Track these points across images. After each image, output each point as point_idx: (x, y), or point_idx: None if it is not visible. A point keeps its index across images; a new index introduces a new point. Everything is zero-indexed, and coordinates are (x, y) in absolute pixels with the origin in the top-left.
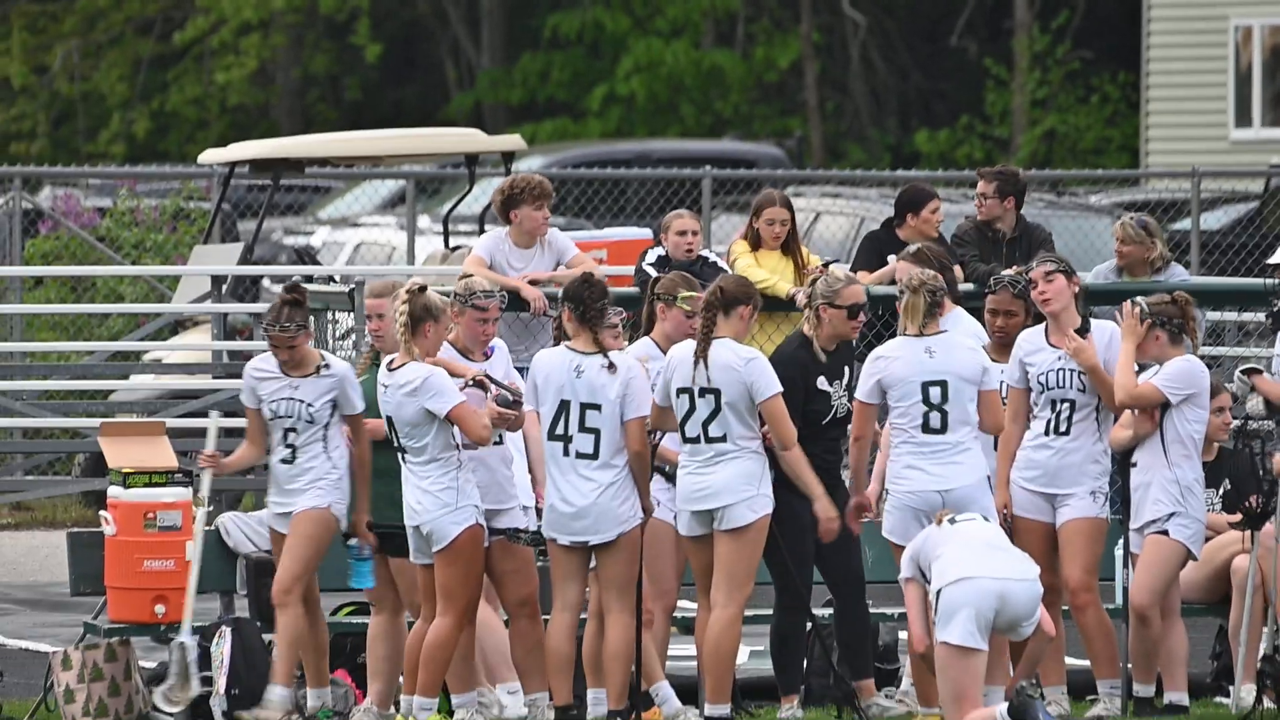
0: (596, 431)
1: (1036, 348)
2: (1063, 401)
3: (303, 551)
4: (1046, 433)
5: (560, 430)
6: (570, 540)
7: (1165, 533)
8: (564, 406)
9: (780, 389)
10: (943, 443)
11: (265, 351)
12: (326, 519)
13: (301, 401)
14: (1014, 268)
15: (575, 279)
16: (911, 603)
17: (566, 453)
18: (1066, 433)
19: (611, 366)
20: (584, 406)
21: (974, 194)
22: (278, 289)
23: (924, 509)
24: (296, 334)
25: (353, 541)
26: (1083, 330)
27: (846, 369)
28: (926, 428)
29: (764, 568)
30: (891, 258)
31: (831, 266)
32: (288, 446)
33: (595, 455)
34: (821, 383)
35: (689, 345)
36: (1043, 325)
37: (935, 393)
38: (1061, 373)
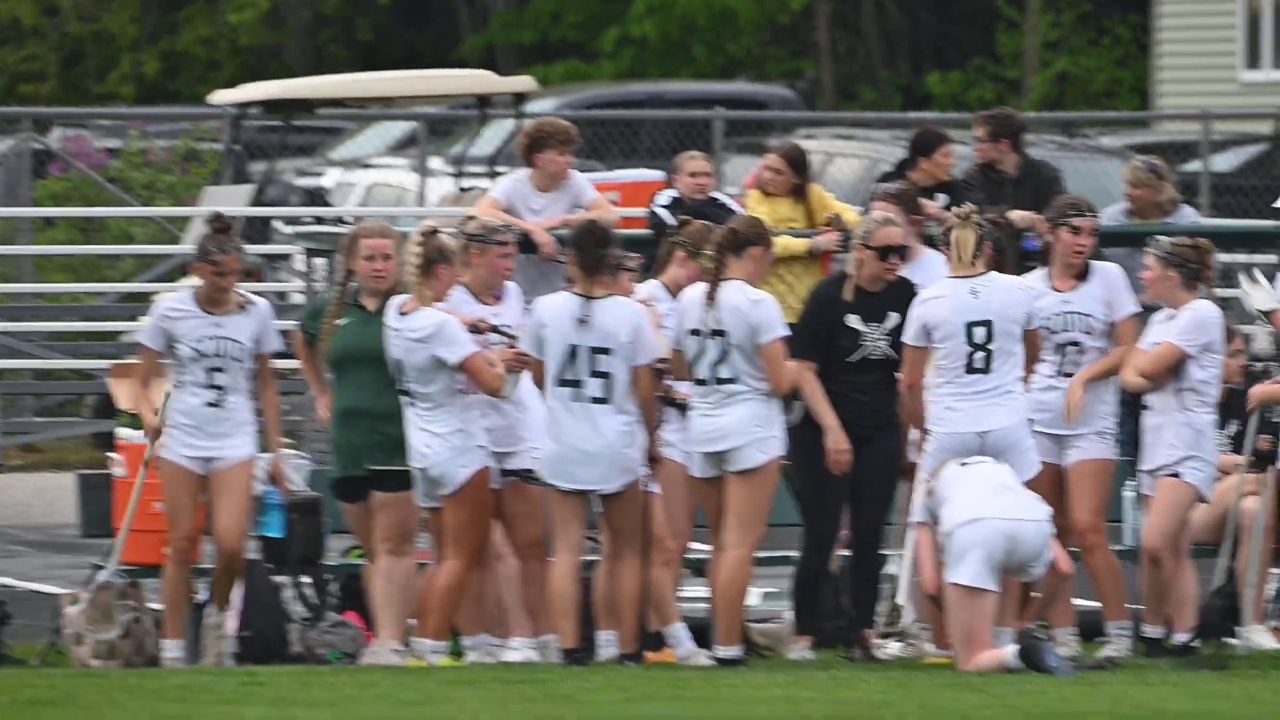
0: (608, 376)
1: (1039, 292)
2: (1069, 344)
3: (246, 504)
4: (1053, 375)
5: (570, 375)
6: (571, 487)
7: (1177, 475)
8: (573, 351)
9: (784, 333)
10: (985, 384)
11: (185, 292)
12: (254, 467)
13: (229, 339)
14: (1029, 212)
15: (581, 223)
16: (923, 545)
17: (578, 398)
18: (1071, 374)
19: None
20: (594, 351)
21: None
22: (289, 230)
23: (961, 451)
24: (240, 260)
25: (270, 489)
26: (1084, 272)
27: (894, 314)
28: (970, 368)
29: (790, 508)
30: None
31: (844, 216)
32: (213, 388)
33: (608, 400)
34: (853, 320)
35: (702, 287)
36: (1045, 270)
37: (980, 333)
38: (1067, 316)
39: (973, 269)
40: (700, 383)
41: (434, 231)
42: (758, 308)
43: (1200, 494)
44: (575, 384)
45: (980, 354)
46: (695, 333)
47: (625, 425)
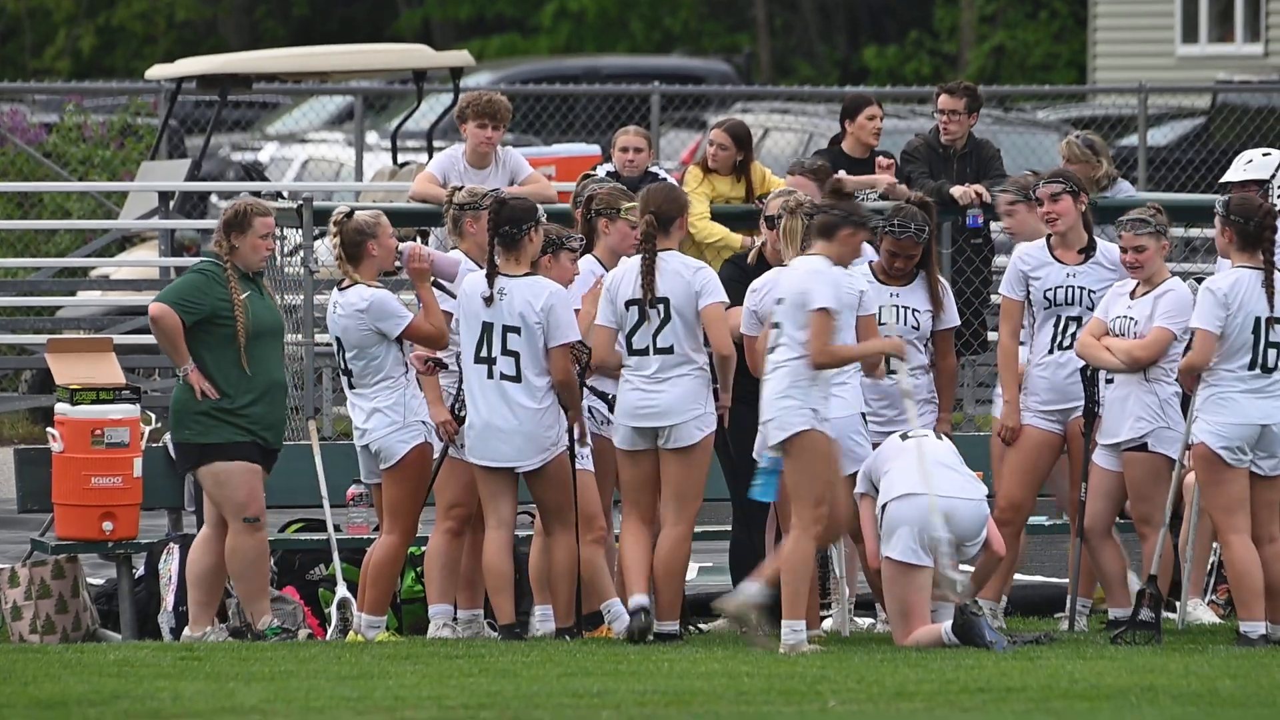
0: (517, 355)
1: (1041, 262)
2: (1069, 318)
3: None
4: (1050, 350)
5: (484, 353)
6: (491, 464)
7: (1144, 447)
8: (486, 329)
9: (724, 299)
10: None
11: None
12: None
13: None
14: (969, 185)
15: (494, 200)
16: (864, 518)
17: (490, 375)
18: (1069, 347)
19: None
20: (505, 329)
21: (927, 111)
22: (225, 205)
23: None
24: None
25: (768, 451)
26: (1089, 249)
27: None
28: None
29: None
30: (841, 172)
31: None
32: None
33: (518, 378)
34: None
35: (635, 260)
36: (1044, 240)
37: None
38: (1071, 290)
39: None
40: (637, 353)
41: (348, 215)
42: (699, 273)
43: (1171, 460)
44: (488, 361)
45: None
46: (633, 302)
47: (538, 403)
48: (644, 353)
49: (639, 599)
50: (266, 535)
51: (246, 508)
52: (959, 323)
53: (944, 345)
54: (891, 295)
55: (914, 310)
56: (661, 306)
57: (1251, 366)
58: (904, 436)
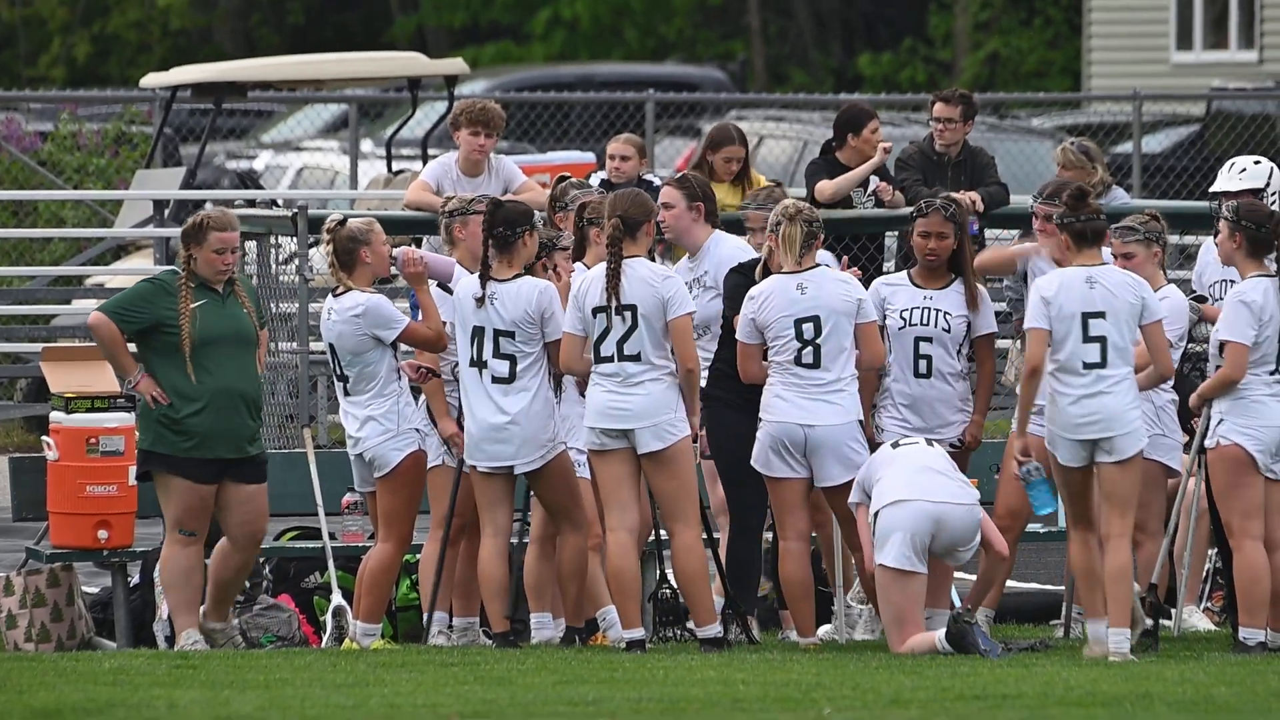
0: (511, 357)
1: (1043, 274)
2: None
3: None
4: None
5: (477, 356)
6: (490, 466)
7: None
8: (478, 333)
9: (692, 309)
10: (817, 378)
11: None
12: None
13: None
14: (961, 191)
15: (490, 201)
16: (862, 526)
17: (482, 378)
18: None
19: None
20: (498, 333)
21: (921, 119)
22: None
23: (786, 440)
24: None
25: (1031, 465)
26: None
27: None
28: (800, 362)
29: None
30: (822, 183)
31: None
32: None
33: (511, 379)
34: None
35: (600, 267)
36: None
37: (808, 329)
38: None
39: (800, 266)
40: (604, 360)
41: (341, 222)
42: (667, 282)
43: (1167, 468)
44: (480, 365)
45: (809, 349)
46: (600, 310)
47: (532, 403)
48: (610, 359)
49: (633, 633)
50: (200, 551)
51: (180, 521)
52: (996, 328)
53: (983, 351)
54: (925, 298)
55: (946, 314)
56: (628, 313)
57: (1274, 372)
58: (894, 445)
